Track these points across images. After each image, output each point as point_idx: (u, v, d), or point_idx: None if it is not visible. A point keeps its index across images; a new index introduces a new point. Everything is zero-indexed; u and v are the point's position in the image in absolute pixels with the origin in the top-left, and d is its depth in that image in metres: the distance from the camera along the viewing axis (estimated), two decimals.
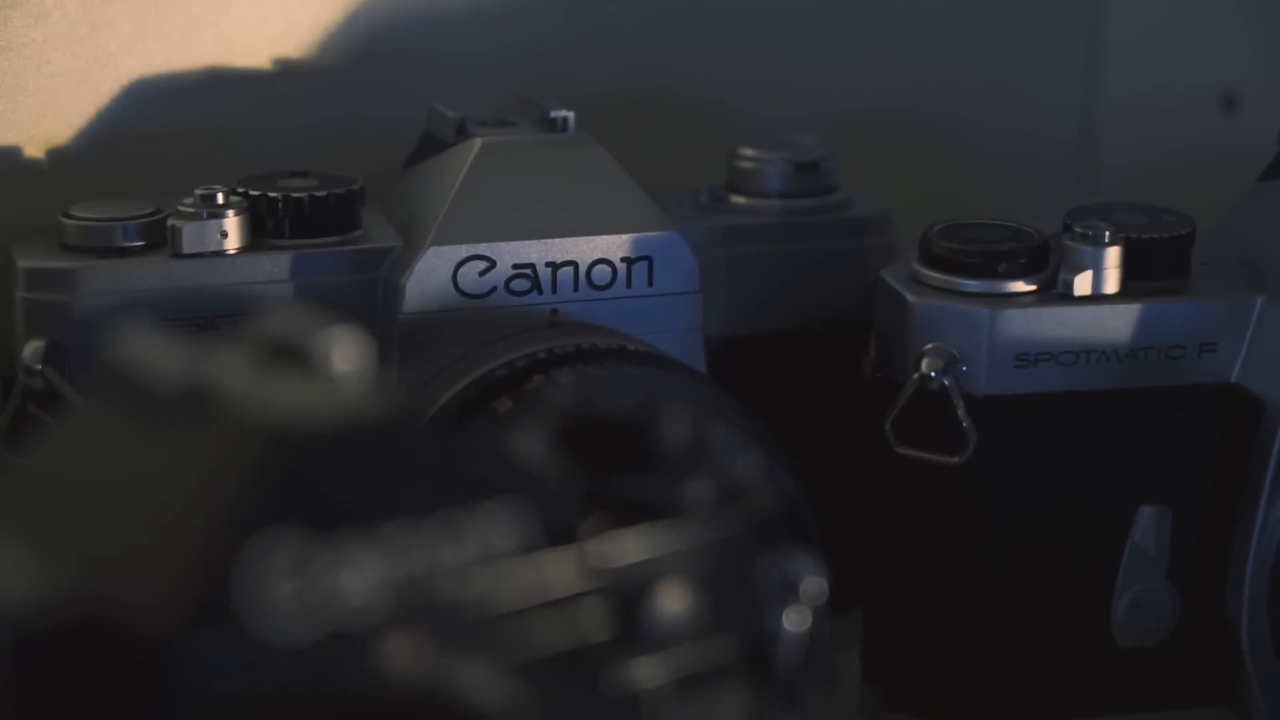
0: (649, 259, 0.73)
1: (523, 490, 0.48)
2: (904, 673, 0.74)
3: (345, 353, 0.47)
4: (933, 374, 0.69)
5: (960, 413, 0.69)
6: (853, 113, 0.91)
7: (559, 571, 0.49)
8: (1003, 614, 0.72)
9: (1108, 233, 0.70)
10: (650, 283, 0.73)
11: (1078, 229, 0.70)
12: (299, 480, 0.45)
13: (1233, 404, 0.71)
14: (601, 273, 0.72)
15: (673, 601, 0.52)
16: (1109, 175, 0.98)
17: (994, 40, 0.95)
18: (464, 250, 0.71)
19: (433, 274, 0.71)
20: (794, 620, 0.54)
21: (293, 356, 0.48)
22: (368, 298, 0.72)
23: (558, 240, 0.72)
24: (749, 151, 0.79)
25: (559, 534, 0.49)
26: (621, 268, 0.73)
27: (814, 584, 0.54)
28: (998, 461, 0.70)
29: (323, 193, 0.72)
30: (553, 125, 0.75)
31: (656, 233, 0.73)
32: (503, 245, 0.71)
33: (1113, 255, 0.70)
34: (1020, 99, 0.96)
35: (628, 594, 0.51)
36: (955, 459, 0.69)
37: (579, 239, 0.72)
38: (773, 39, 0.89)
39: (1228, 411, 0.71)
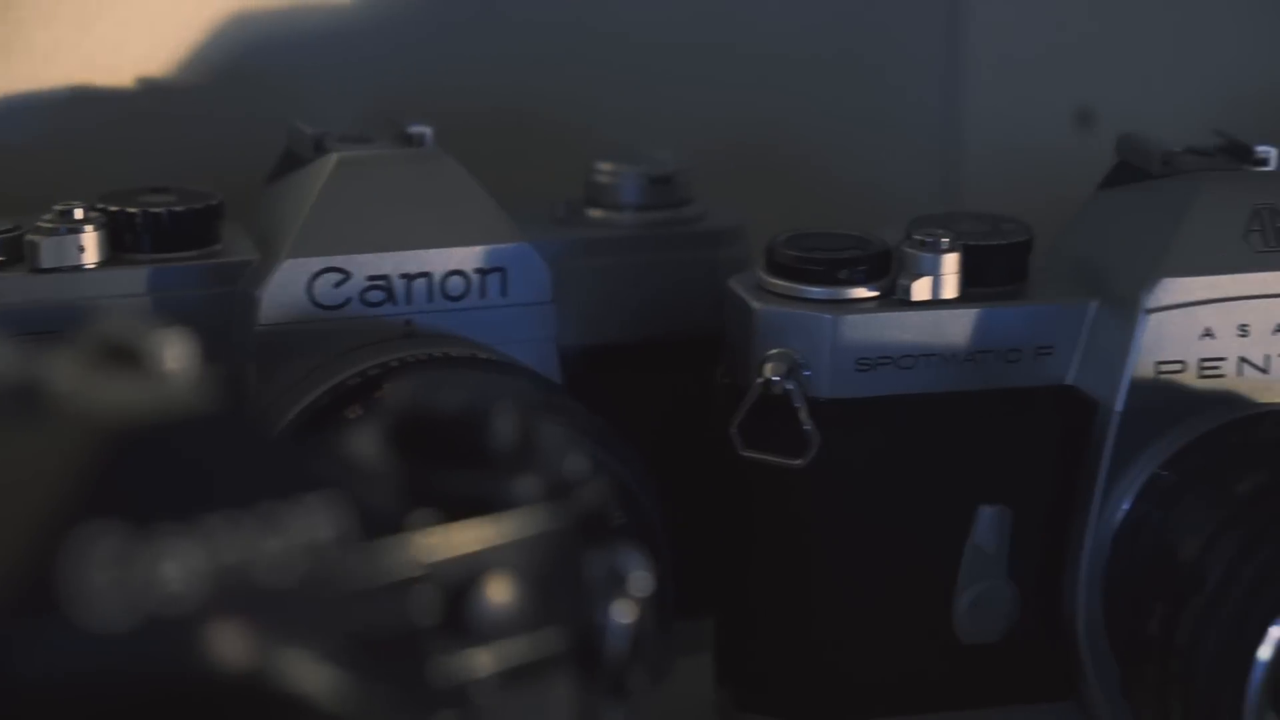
0: (502, 270, 0.74)
1: (346, 484, 0.49)
2: (754, 672, 0.75)
3: (174, 352, 0.49)
4: (776, 378, 0.71)
5: (803, 416, 0.71)
6: (715, 128, 0.93)
7: (383, 562, 0.50)
8: (848, 613, 0.74)
9: (945, 240, 0.72)
10: (504, 293, 0.75)
11: (916, 236, 0.72)
12: (123, 474, 0.46)
13: (1068, 405, 0.73)
14: (455, 284, 0.74)
15: (499, 593, 0.53)
16: (970, 186, 1.00)
17: (854, 55, 0.97)
18: (318, 263, 0.72)
19: (288, 286, 0.72)
20: (621, 612, 0.56)
21: (123, 357, 0.49)
22: (226, 311, 0.74)
23: (412, 252, 0.73)
24: (605, 166, 0.81)
25: (383, 526, 0.51)
26: (475, 278, 0.74)
27: (641, 577, 0.56)
28: (841, 463, 0.72)
29: (181, 208, 0.74)
30: (410, 141, 0.77)
31: (509, 244, 0.74)
32: (357, 258, 0.73)
33: (950, 261, 0.72)
34: (881, 113, 0.98)
35: (454, 585, 0.52)
36: (799, 461, 0.71)
37: (433, 251, 0.74)
38: (633, 56, 0.91)
39: (1064, 412, 0.73)
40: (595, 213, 0.80)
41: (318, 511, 0.48)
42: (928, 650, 0.74)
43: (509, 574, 0.53)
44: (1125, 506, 0.71)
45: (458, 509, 0.54)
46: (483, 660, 0.53)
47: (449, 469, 0.54)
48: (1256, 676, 0.63)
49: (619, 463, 0.69)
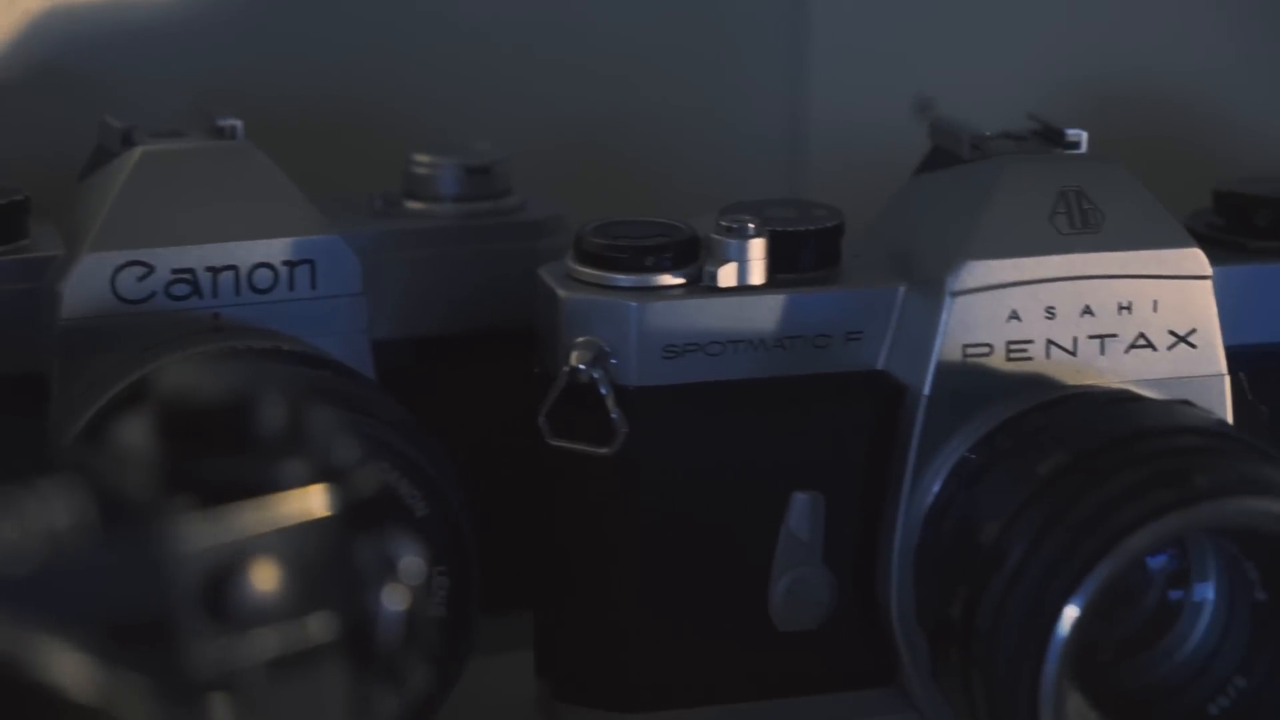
0: (311, 262, 0.74)
1: (90, 470, 0.49)
2: (570, 663, 0.75)
3: None
4: (582, 367, 0.71)
5: (610, 404, 0.71)
6: (552, 124, 0.93)
7: (135, 548, 0.50)
8: (662, 601, 0.73)
9: (752, 225, 0.72)
10: (313, 285, 0.74)
11: (723, 223, 0.72)
12: None
13: (879, 390, 0.73)
14: (263, 276, 0.73)
15: (263, 580, 0.52)
16: (815, 176, 1.00)
17: (697, 43, 0.97)
18: (121, 256, 0.72)
19: (90, 280, 0.71)
20: (393, 599, 0.55)
21: None
22: (32, 306, 0.73)
23: (217, 245, 0.73)
24: (423, 157, 0.80)
25: (136, 513, 0.50)
26: (283, 271, 0.73)
27: (413, 564, 0.56)
28: (651, 451, 0.72)
29: None
30: (221, 134, 0.76)
31: (317, 236, 0.74)
32: (161, 251, 0.72)
33: (757, 247, 0.72)
34: (724, 105, 0.98)
35: (215, 572, 0.52)
36: (605, 450, 0.71)
37: (239, 243, 0.73)
38: (462, 49, 0.90)
39: (875, 397, 0.73)
40: (413, 204, 0.80)
41: (55, 498, 0.48)
42: (744, 638, 0.74)
43: (274, 560, 0.53)
44: (935, 490, 0.71)
45: (221, 494, 0.53)
46: (247, 648, 0.52)
47: (213, 455, 0.53)
48: (1053, 656, 0.63)
49: (422, 455, 0.69)
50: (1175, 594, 0.70)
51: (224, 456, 0.53)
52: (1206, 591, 0.70)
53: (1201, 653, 0.70)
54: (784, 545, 0.73)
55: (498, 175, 0.80)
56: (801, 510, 0.73)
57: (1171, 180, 0.81)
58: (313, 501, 0.54)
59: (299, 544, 0.54)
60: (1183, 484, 0.64)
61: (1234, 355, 0.74)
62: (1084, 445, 0.66)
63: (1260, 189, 0.78)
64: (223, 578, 0.52)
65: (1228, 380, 0.73)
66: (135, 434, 0.55)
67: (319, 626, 0.54)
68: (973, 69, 0.95)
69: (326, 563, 0.54)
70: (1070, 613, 0.63)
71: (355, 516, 0.55)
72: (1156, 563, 0.71)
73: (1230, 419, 0.73)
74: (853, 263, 0.74)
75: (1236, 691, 0.68)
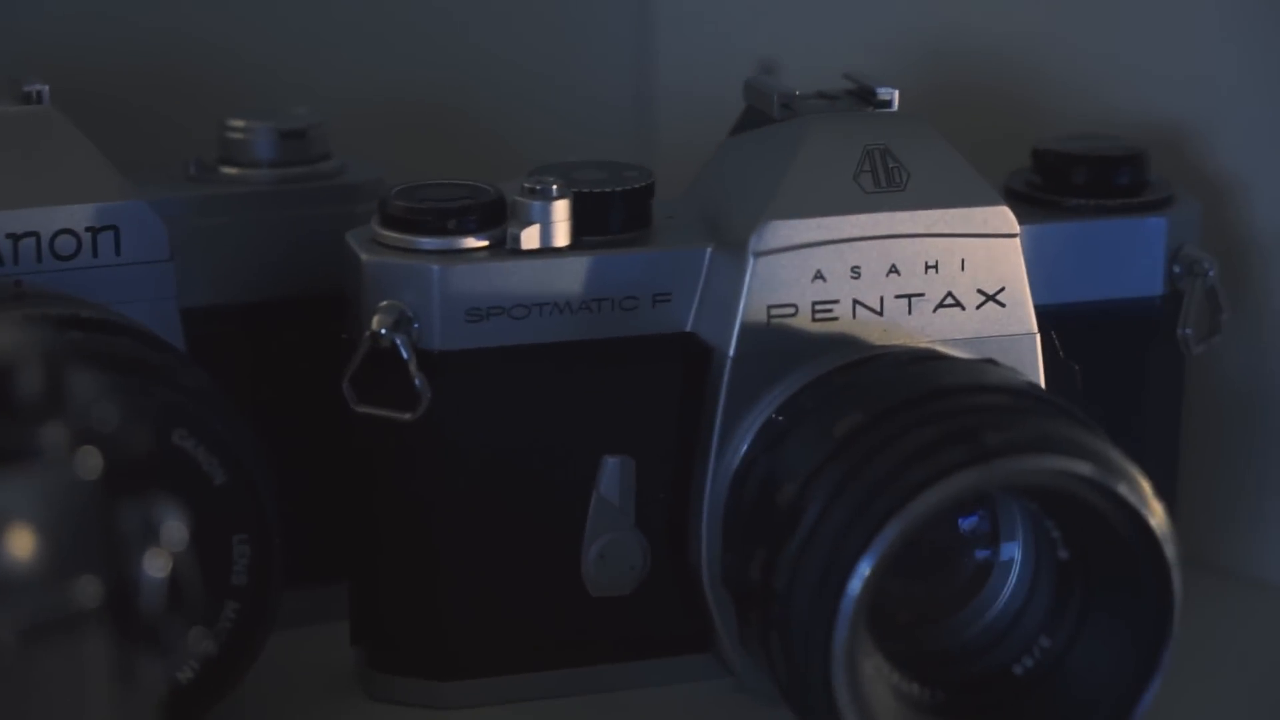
0: (115, 228, 0.73)
1: None
2: (384, 631, 0.74)
3: None
4: (384, 331, 0.70)
5: (412, 369, 0.70)
6: (398, 85, 0.93)
7: None
8: (473, 568, 0.72)
9: (555, 187, 0.71)
10: (118, 252, 0.73)
11: (526, 185, 0.71)
12: None
13: (688, 352, 0.72)
14: (65, 243, 0.72)
15: (19, 546, 0.52)
16: (665, 139, 0.99)
17: (543, 9, 0.97)
18: None
19: None
20: (155, 565, 0.54)
21: None
22: None
23: (16, 211, 0.72)
24: (237, 122, 0.79)
25: None
26: (86, 237, 0.72)
27: (175, 529, 0.55)
28: (458, 416, 0.71)
29: None
30: (28, 100, 0.75)
31: (121, 202, 0.73)
32: None
33: (560, 209, 0.71)
34: (571, 69, 0.98)
35: None
36: (409, 415, 0.70)
37: (40, 209, 0.72)
38: (289, 11, 0.89)
39: (684, 360, 0.72)
40: (229, 170, 0.79)
41: None
42: (558, 604, 0.73)
43: (29, 525, 0.52)
44: (742, 452, 0.70)
45: None
46: (3, 616, 0.52)
47: None
48: (845, 617, 0.62)
49: (220, 423, 0.68)
50: (983, 554, 0.70)
51: None
52: (1013, 551, 0.70)
53: (1009, 613, 0.70)
54: (595, 510, 0.73)
55: (314, 139, 0.79)
56: (612, 474, 0.73)
57: (1004, 138, 0.81)
58: (72, 466, 0.53)
59: (56, 508, 0.53)
60: (973, 442, 0.63)
61: (1046, 314, 0.74)
62: (880, 405, 0.66)
63: (1078, 147, 0.78)
64: None
65: (1038, 339, 0.73)
66: None
67: (79, 593, 0.54)
68: (816, 30, 0.95)
69: (86, 528, 0.53)
70: (862, 572, 0.62)
71: (117, 481, 0.54)
72: (968, 523, 0.71)
73: (1041, 377, 0.73)
74: (665, 224, 0.74)
75: (1041, 651, 0.68)
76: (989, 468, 0.63)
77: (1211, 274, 0.77)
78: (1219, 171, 0.82)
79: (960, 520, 0.71)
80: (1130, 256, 0.77)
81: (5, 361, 0.53)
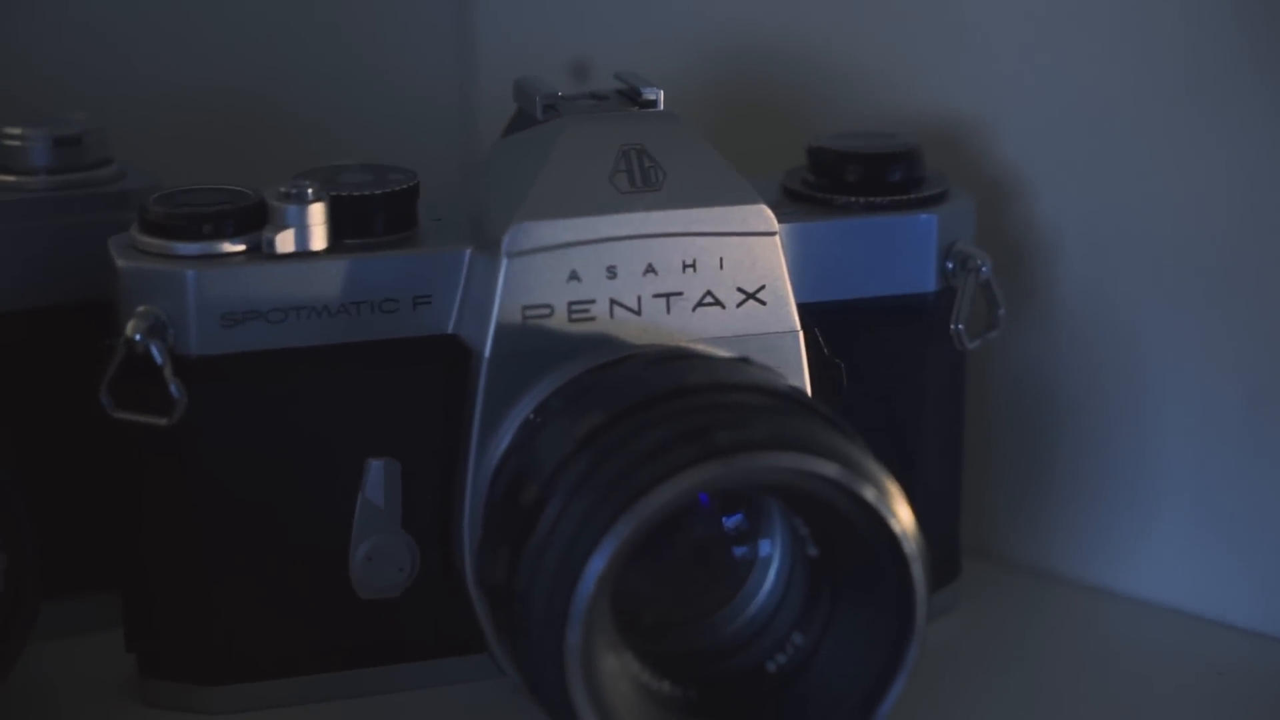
0: None
1: None
2: (154, 637, 0.74)
3: None
4: (138, 337, 0.70)
5: (167, 374, 0.70)
6: (217, 85, 0.92)
7: None
8: (239, 572, 0.72)
9: (310, 190, 0.71)
10: None
11: (282, 189, 0.71)
12: None
13: (450, 355, 0.72)
14: None
15: None
16: (487, 137, 0.99)
17: (363, 8, 0.97)
18: None
19: None
20: None
21: None
22: None
23: None
24: (12, 129, 0.79)
25: None
26: None
27: None
28: (215, 421, 0.71)
29: None
30: None
31: None
32: None
33: (316, 212, 0.71)
34: (394, 67, 0.98)
35: None
36: (165, 421, 0.70)
37: None
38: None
39: (445, 363, 0.72)
40: (7, 178, 0.78)
41: None
42: (327, 608, 0.73)
43: None
44: (500, 453, 0.70)
45: None
46: None
47: None
48: (578, 615, 0.62)
49: None
50: (741, 551, 0.70)
51: None
52: (767, 548, 0.70)
53: (765, 611, 0.70)
54: (362, 513, 0.73)
55: (91, 146, 0.79)
56: (377, 477, 0.73)
57: (793, 138, 0.82)
58: None
59: None
60: (704, 441, 0.63)
61: (814, 312, 0.74)
62: (620, 405, 0.66)
63: (851, 144, 0.78)
64: None
65: (801, 336, 0.73)
66: None
67: None
68: (633, 31, 0.95)
69: None
70: (594, 571, 0.62)
71: None
72: (731, 521, 0.71)
73: (805, 376, 0.73)
74: (432, 227, 0.74)
75: (794, 648, 0.68)
76: (717, 466, 0.63)
77: (985, 270, 0.77)
78: (1001, 168, 0.83)
79: (725, 518, 0.71)
80: (902, 253, 0.77)
81: None
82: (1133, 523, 0.83)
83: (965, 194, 0.79)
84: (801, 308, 0.73)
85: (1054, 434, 0.84)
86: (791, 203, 0.77)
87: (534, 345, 0.70)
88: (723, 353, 0.71)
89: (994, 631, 0.81)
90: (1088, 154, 0.81)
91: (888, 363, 0.77)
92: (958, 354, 0.79)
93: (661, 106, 0.75)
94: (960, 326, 0.77)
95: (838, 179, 0.77)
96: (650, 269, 0.71)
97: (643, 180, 0.71)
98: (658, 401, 0.66)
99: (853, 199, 0.77)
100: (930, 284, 0.77)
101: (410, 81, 1.00)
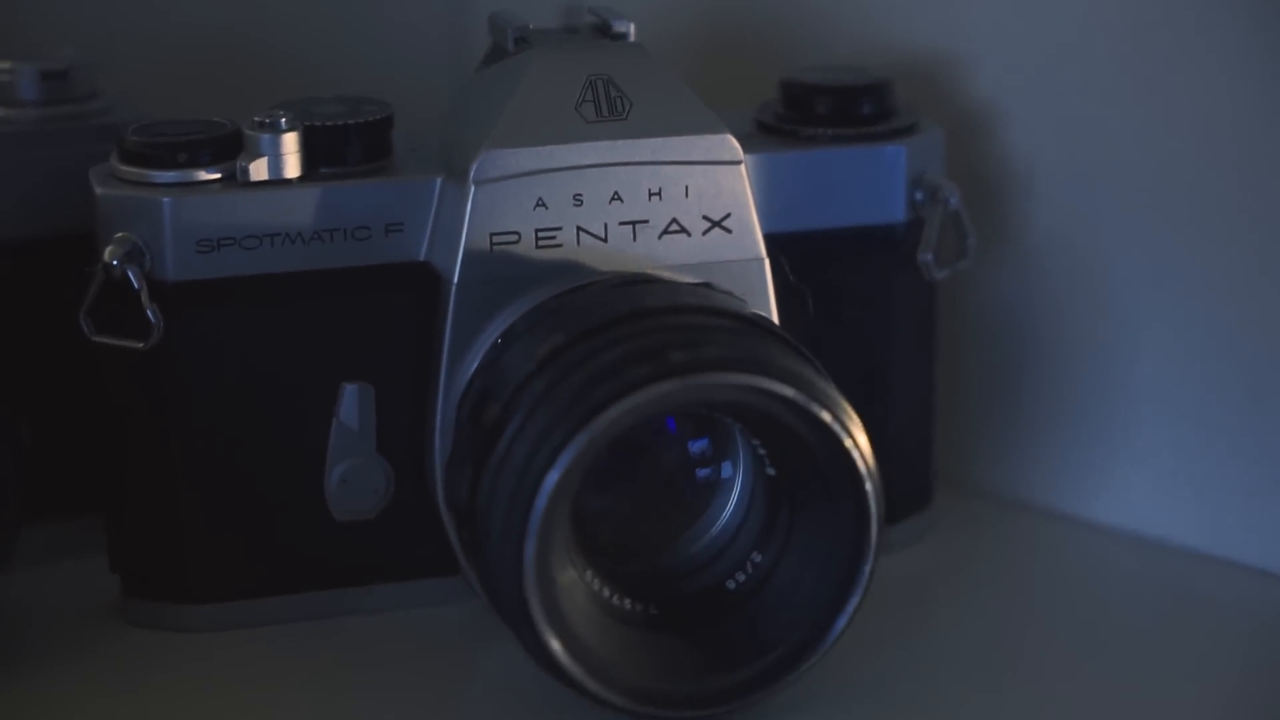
0: None
1: None
2: (135, 558, 0.76)
3: None
4: (115, 262, 0.72)
5: (144, 298, 0.71)
6: (214, 21, 0.94)
7: None
8: (217, 493, 0.74)
9: (284, 120, 0.72)
10: None
11: (256, 119, 0.73)
12: None
13: (421, 281, 0.74)
14: None
15: None
16: None
17: None
18: None
19: None
20: None
21: None
22: None
23: None
24: (1, 64, 0.81)
25: None
26: None
27: None
28: (191, 345, 0.73)
29: None
30: None
31: None
32: None
33: (290, 141, 0.72)
34: (392, 7, 0.99)
35: None
36: (142, 344, 0.72)
37: None
38: None
39: (416, 289, 0.74)
40: None
41: None
42: (303, 529, 0.75)
43: None
44: (468, 377, 0.72)
45: None
46: None
47: None
48: (534, 530, 0.64)
49: None
50: (704, 473, 0.72)
51: None
52: (729, 469, 0.71)
53: (728, 531, 0.71)
54: (336, 436, 0.75)
55: (78, 80, 0.81)
56: (351, 401, 0.74)
57: (764, 72, 0.83)
58: None
59: None
60: (658, 360, 0.65)
61: (781, 241, 0.75)
62: (580, 326, 0.67)
63: (822, 78, 0.79)
64: None
65: (767, 264, 0.74)
66: None
67: None
68: None
69: None
70: (548, 487, 0.64)
71: None
72: (697, 446, 0.73)
73: (771, 302, 0.74)
74: (406, 156, 0.75)
75: (753, 566, 0.70)
76: (670, 384, 0.64)
77: (954, 200, 0.78)
78: (975, 103, 0.84)
79: (690, 442, 0.72)
80: (870, 184, 0.78)
81: None
82: (1101, 452, 0.84)
83: (935, 127, 0.80)
84: (769, 237, 0.74)
85: (1025, 365, 0.85)
86: (763, 135, 0.78)
87: (501, 272, 0.72)
88: (687, 278, 0.72)
89: (964, 559, 0.83)
90: (1061, 88, 0.82)
91: (857, 292, 0.78)
92: (927, 284, 0.80)
93: (632, 39, 0.76)
94: (929, 256, 0.78)
95: (808, 112, 0.79)
96: (616, 197, 0.73)
97: (609, 109, 0.72)
98: (618, 323, 0.67)
99: (822, 130, 0.78)
100: (899, 214, 0.78)
101: (403, 18, 1.01)
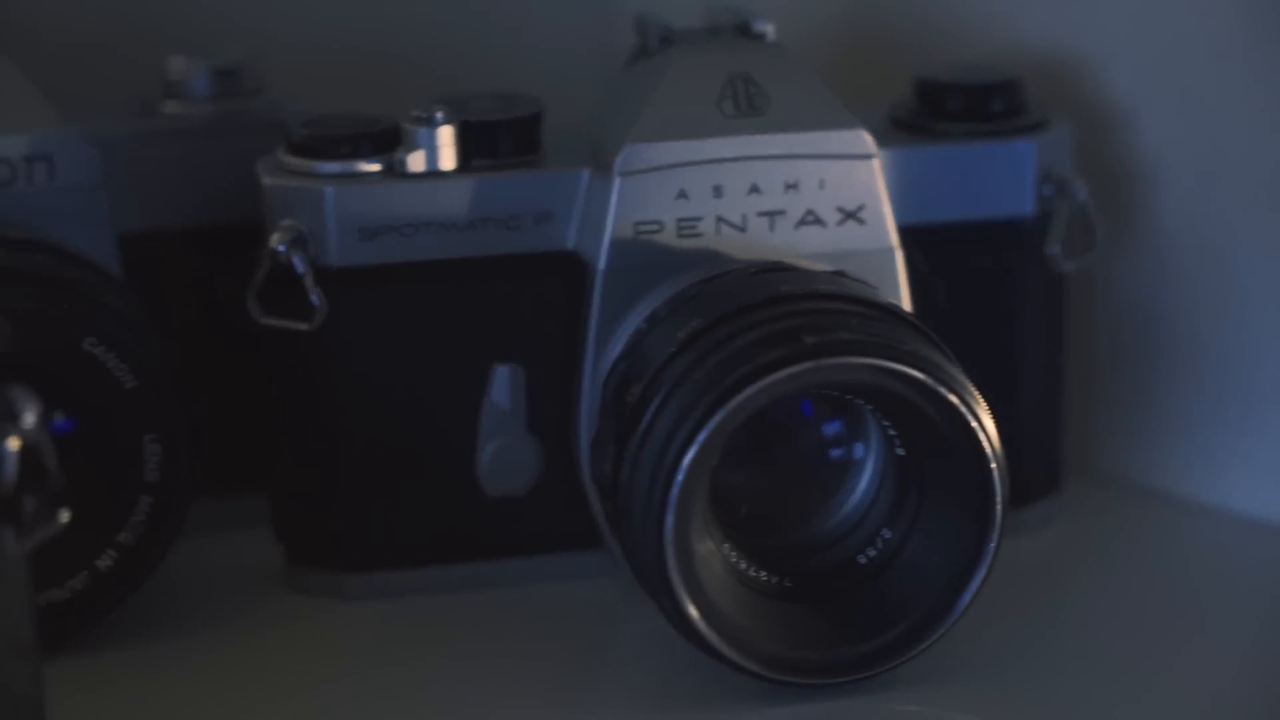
0: (48, 157, 0.79)
1: None
2: (299, 528, 0.80)
3: None
4: (282, 249, 0.76)
5: (308, 283, 0.76)
6: (356, 25, 0.98)
7: None
8: (374, 468, 0.78)
9: (440, 115, 0.77)
10: (51, 179, 0.79)
11: (413, 113, 0.77)
12: None
13: (569, 269, 0.77)
14: (2, 170, 0.79)
15: None
16: None
17: None
18: None
19: None
20: (11, 445, 0.61)
21: None
22: None
23: None
24: (178, 61, 0.85)
25: None
26: (21, 165, 0.79)
27: (30, 416, 0.61)
28: (353, 327, 0.77)
29: None
30: None
31: (55, 133, 0.79)
32: None
33: (445, 135, 0.77)
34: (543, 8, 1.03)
35: None
36: (306, 326, 0.76)
37: None
38: None
39: (564, 276, 0.77)
40: (170, 106, 0.85)
41: None
42: (456, 504, 0.79)
43: None
44: (612, 359, 0.76)
45: None
46: None
47: None
48: (673, 502, 0.68)
49: (131, 334, 0.74)
50: (837, 453, 0.75)
51: None
52: (861, 450, 0.75)
53: (859, 508, 0.74)
54: (488, 416, 0.79)
55: (247, 77, 0.85)
56: (502, 382, 0.78)
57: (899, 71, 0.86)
58: None
59: None
60: (792, 343, 0.68)
61: (913, 232, 0.78)
62: (719, 311, 0.71)
63: (954, 76, 0.82)
64: None
65: (898, 254, 0.77)
66: None
67: None
68: None
69: None
70: (685, 463, 0.67)
71: None
72: (831, 428, 0.76)
73: (903, 290, 0.77)
74: (555, 151, 0.79)
75: (883, 542, 0.73)
76: (804, 367, 0.68)
77: (1081, 194, 0.81)
78: (1106, 101, 0.86)
79: (824, 425, 0.76)
80: (1000, 179, 0.81)
81: None
82: (1231, 440, 0.86)
83: (1064, 123, 0.83)
84: (901, 229, 0.78)
85: (1155, 354, 0.88)
86: (897, 130, 0.81)
87: (645, 259, 0.76)
88: (821, 267, 0.76)
89: (1093, 543, 0.85)
90: (1188, 85, 0.85)
91: (986, 282, 0.81)
92: (1056, 276, 0.83)
93: (771, 38, 0.80)
94: (1056, 248, 0.81)
95: (940, 108, 0.82)
96: (754, 188, 0.76)
97: (748, 106, 0.76)
98: (755, 308, 0.71)
99: (954, 126, 0.81)
100: (1028, 208, 0.81)
101: (554, 18, 1.04)
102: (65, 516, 0.62)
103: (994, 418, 0.71)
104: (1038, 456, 0.84)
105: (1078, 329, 0.87)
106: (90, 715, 0.71)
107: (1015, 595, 0.78)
